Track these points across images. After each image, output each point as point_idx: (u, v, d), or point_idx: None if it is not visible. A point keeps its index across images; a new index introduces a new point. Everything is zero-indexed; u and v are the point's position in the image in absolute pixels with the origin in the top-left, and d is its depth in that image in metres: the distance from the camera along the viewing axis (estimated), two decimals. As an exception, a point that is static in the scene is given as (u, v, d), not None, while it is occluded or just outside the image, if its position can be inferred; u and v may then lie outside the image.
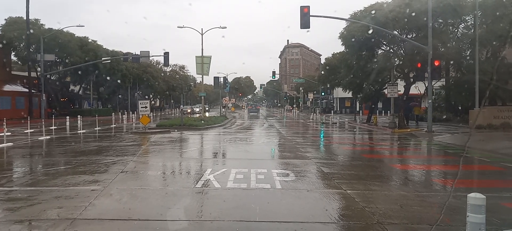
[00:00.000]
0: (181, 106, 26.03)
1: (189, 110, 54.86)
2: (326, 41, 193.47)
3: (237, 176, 9.38)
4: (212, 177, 9.24)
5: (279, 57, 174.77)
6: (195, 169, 10.84)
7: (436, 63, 24.52)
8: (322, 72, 55.59)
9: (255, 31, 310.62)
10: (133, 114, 43.01)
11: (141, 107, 22.36)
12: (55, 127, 28.42)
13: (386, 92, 41.74)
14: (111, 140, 19.32)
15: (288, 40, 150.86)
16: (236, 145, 17.28)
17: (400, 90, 32.05)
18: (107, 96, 64.64)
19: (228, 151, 15.24)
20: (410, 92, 31.00)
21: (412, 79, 29.75)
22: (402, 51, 29.52)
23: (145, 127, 22.36)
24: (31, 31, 42.23)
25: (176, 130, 24.23)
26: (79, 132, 24.47)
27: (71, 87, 61.25)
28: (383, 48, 29.91)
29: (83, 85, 60.70)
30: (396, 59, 30.73)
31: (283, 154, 14.52)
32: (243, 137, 20.97)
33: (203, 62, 33.49)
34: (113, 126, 30.09)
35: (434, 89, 49.02)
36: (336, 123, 33.85)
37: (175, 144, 17.13)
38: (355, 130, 28.91)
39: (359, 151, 16.26)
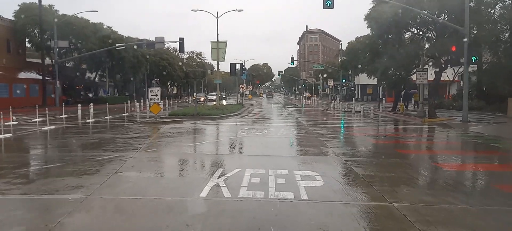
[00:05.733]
0: (195, 93, 24.32)
1: (202, 99, 52.79)
2: (346, 27, 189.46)
3: (252, 179, 7.68)
4: (221, 181, 7.57)
5: (297, 43, 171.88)
6: (203, 169, 9.18)
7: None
8: (344, 57, 53.15)
9: (273, 18, 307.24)
10: (148, 103, 41.88)
11: (152, 95, 20.77)
12: (66, 116, 27.26)
13: (413, 79, 39.38)
14: (118, 130, 17.88)
15: (307, 26, 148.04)
16: (252, 137, 15.42)
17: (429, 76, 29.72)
18: (123, 84, 63.70)
19: (243, 145, 13.51)
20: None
21: (443, 65, 27.37)
22: (432, 34, 27.08)
23: (156, 116, 20.84)
24: (44, 17, 41.42)
25: (189, 120, 22.68)
26: (88, 121, 23.23)
27: (88, 74, 60.47)
28: (412, 30, 27.49)
29: (99, 73, 59.88)
30: (426, 43, 28.37)
31: (305, 149, 12.70)
32: (260, 128, 19.16)
33: (218, 48, 31.77)
34: (126, 114, 28.80)
35: (462, 76, 46.43)
36: (359, 112, 31.74)
37: (184, 137, 15.45)
38: (381, 119, 26.82)
39: (392, 145, 14.31)
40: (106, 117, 25.82)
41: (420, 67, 28.43)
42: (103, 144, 12.95)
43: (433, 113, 25.65)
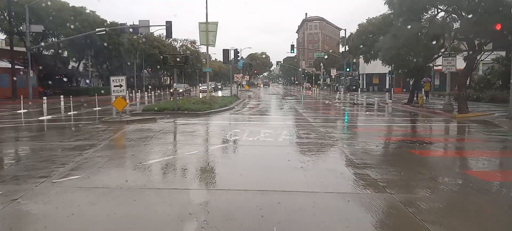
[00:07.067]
0: (174, 84, 19.90)
1: (181, 90, 45.26)
2: (347, 17, 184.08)
3: None
4: None
5: (296, 32, 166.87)
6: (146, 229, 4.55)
7: None
8: (346, 47, 48.26)
9: (272, 7, 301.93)
10: (137, 93, 38.09)
11: (114, 86, 15.88)
12: (25, 111, 22.72)
13: (433, 66, 34.72)
14: (61, 134, 13.31)
15: (306, 14, 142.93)
16: (241, 148, 10.48)
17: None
18: (109, 73, 58.81)
19: (225, 167, 8.65)
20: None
21: (477, 48, 22.71)
22: (460, 11, 22.27)
23: (120, 113, 16.12)
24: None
25: (166, 117, 18.02)
26: (42, 118, 18.62)
27: (72, 64, 55.59)
28: (441, 7, 22.67)
29: (84, 62, 55.02)
30: (454, 22, 23.60)
31: (325, 172, 8.01)
32: (255, 130, 14.11)
33: (207, 30, 27.09)
34: (98, 108, 24.16)
35: (482, 63, 41.75)
36: (372, 104, 27.15)
37: (143, 147, 10.39)
38: (402, 115, 22.18)
39: (454, 161, 9.59)
40: (69, 113, 21.28)
41: (447, 52, 23.76)
42: (9, 163, 8.34)
43: (464, 108, 21.14)
